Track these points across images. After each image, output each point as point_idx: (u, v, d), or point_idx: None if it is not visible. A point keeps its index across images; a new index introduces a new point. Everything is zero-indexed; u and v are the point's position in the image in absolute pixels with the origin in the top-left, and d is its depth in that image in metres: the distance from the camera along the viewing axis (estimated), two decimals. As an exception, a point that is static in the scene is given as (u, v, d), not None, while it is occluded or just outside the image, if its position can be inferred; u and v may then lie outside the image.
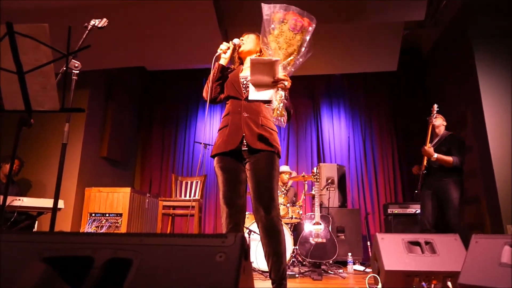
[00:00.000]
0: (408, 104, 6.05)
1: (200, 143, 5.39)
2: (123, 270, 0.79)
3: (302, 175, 4.55)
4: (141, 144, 6.54)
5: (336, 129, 6.16)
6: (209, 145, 5.33)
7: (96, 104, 5.29)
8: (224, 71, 2.14)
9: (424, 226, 3.44)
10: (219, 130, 2.12)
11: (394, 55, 5.03)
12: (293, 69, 1.92)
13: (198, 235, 0.84)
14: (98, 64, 4.62)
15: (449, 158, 3.40)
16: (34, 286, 0.78)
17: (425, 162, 3.55)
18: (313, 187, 4.16)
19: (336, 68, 5.56)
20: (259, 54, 2.22)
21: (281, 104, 1.87)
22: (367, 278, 2.87)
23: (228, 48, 2.11)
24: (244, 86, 2.09)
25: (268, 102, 1.96)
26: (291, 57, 1.88)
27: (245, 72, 2.17)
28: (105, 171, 5.51)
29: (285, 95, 1.92)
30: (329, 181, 4.87)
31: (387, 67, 5.35)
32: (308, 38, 1.89)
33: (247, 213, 4.38)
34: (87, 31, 1.92)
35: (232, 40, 2.15)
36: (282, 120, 1.90)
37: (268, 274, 3.54)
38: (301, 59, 1.91)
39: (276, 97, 1.88)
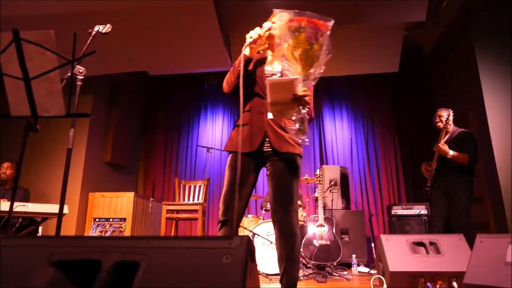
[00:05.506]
0: (411, 104, 6.05)
1: (203, 147, 5.43)
2: (131, 273, 0.80)
3: (305, 177, 4.54)
4: (144, 148, 6.56)
5: (338, 131, 6.16)
6: (212, 148, 5.36)
7: (99, 109, 5.32)
8: (247, 63, 1.96)
9: (434, 227, 3.41)
10: (237, 125, 1.99)
11: (395, 56, 5.04)
12: (313, 83, 1.81)
13: (204, 237, 0.85)
14: (101, 69, 4.65)
15: (465, 156, 3.30)
16: (43, 289, 0.79)
17: (435, 161, 3.48)
18: (316, 189, 4.16)
19: (337, 70, 5.56)
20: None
21: (304, 123, 1.77)
22: (372, 280, 2.86)
23: (259, 36, 1.90)
24: None
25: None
26: (311, 70, 1.76)
27: (269, 65, 2.05)
28: (109, 176, 5.53)
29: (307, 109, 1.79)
30: (332, 183, 4.86)
31: (389, 68, 5.36)
32: (327, 42, 1.73)
33: (251, 216, 4.40)
34: (91, 37, 1.94)
35: (263, 25, 1.92)
36: (305, 138, 1.79)
37: (271, 277, 3.56)
38: (321, 70, 1.76)
39: (297, 115, 1.77)
